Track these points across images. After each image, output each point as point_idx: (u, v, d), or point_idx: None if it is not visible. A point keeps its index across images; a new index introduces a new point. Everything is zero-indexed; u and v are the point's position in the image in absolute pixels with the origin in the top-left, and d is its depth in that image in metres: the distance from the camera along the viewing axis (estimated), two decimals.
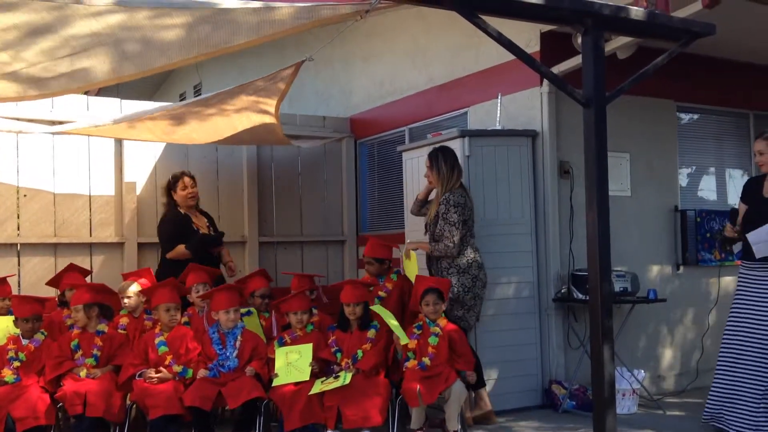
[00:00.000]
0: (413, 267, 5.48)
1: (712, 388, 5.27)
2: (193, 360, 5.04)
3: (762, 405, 4.94)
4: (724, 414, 5.11)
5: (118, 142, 6.90)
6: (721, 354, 5.30)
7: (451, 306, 5.32)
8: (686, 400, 6.25)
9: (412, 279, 5.42)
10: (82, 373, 4.96)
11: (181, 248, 6.08)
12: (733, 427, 5.01)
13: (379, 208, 8.02)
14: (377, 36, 7.85)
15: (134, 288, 5.52)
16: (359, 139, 8.15)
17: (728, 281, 6.79)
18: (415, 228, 6.37)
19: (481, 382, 5.41)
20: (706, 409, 5.26)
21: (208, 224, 6.41)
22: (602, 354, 4.03)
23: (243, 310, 5.42)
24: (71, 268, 5.72)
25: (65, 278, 5.61)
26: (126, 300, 5.48)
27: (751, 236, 5.03)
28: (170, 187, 6.31)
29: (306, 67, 5.35)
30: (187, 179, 6.29)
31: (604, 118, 4.13)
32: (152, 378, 4.88)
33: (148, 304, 5.42)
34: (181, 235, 6.15)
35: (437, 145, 5.72)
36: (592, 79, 4.12)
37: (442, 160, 5.46)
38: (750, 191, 5.37)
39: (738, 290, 5.30)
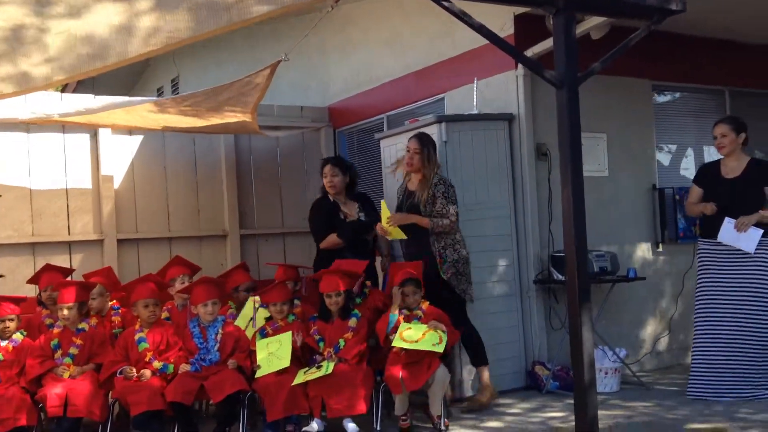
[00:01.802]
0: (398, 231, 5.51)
1: (694, 364, 5.42)
2: (174, 355, 5.01)
3: (751, 370, 5.20)
4: (713, 386, 5.26)
5: (94, 139, 6.83)
6: (697, 331, 5.44)
7: (457, 280, 5.40)
8: (669, 376, 6.31)
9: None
10: (66, 374, 4.93)
11: (333, 237, 5.93)
12: (728, 396, 5.19)
13: None
14: (353, 24, 7.81)
15: (96, 290, 5.47)
16: (338, 128, 8.12)
17: None
18: None
19: (482, 360, 5.46)
20: (692, 385, 5.38)
21: (360, 209, 6.10)
22: (581, 334, 4.05)
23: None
24: (48, 268, 5.66)
25: (43, 278, 5.55)
26: (91, 301, 5.43)
27: (722, 238, 5.32)
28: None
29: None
30: (327, 168, 6.05)
31: (576, 98, 4.14)
32: (132, 376, 4.85)
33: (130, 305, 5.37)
34: (328, 223, 6.00)
35: (419, 130, 5.73)
36: (564, 59, 4.13)
37: (430, 144, 5.51)
38: (707, 175, 5.60)
39: (702, 267, 5.49)
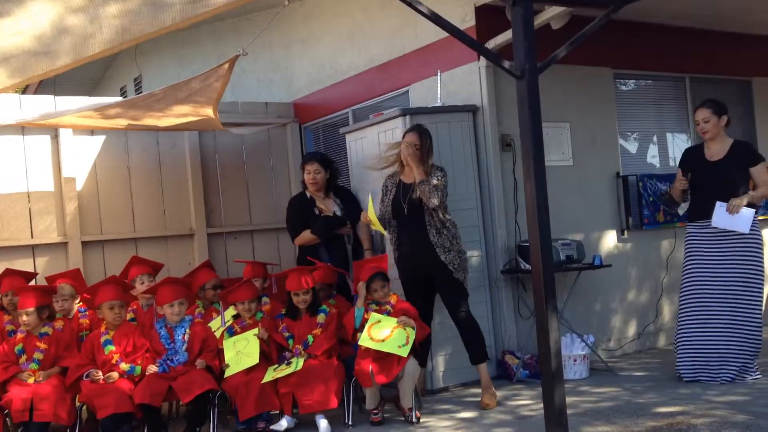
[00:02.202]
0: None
1: (682, 346, 5.45)
2: (141, 357, 4.96)
3: (734, 353, 5.27)
4: (704, 369, 5.33)
5: (55, 140, 6.71)
6: (683, 312, 5.47)
7: (459, 272, 5.35)
8: (636, 361, 6.39)
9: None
10: (30, 380, 4.85)
11: (306, 234, 6.01)
12: (716, 379, 5.27)
13: None
14: (315, 18, 7.77)
15: (68, 291, 5.40)
16: (304, 124, 8.07)
17: (677, 241, 6.96)
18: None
19: (482, 357, 5.38)
20: (683, 368, 5.43)
21: (339, 204, 6.13)
22: (547, 322, 4.07)
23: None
24: (9, 272, 5.56)
25: (4, 282, 5.45)
26: (62, 303, 5.36)
27: (716, 222, 5.29)
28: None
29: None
30: (309, 165, 6.11)
31: (536, 88, 4.14)
32: (99, 379, 4.79)
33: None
34: (302, 220, 6.06)
35: (416, 123, 5.56)
36: (523, 49, 4.13)
37: (428, 136, 5.40)
38: (691, 158, 5.60)
39: (689, 250, 5.50)
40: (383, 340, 4.90)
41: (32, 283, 5.74)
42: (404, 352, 4.86)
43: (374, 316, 5.03)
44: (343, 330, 5.20)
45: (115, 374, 4.81)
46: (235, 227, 7.61)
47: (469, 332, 5.38)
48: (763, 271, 5.36)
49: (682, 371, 5.44)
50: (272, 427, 4.88)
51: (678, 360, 5.48)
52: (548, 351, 4.06)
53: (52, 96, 6.76)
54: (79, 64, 4.23)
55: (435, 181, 5.24)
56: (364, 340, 4.91)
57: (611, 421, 4.55)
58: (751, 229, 5.28)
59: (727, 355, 5.31)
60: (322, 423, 4.88)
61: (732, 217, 5.23)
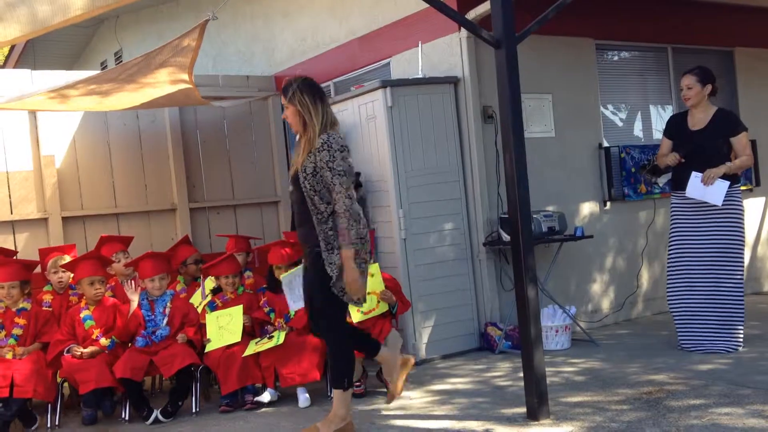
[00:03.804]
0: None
1: (676, 317, 5.51)
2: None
3: (719, 323, 5.32)
4: (699, 338, 5.39)
5: (32, 115, 6.64)
6: (672, 283, 5.50)
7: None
8: (617, 332, 6.44)
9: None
10: (9, 355, 4.83)
11: None
12: (705, 348, 5.34)
13: None
14: None
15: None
16: None
17: (658, 212, 7.00)
18: None
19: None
20: (682, 337, 5.48)
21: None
22: (526, 291, 4.08)
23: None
24: None
25: None
26: (61, 275, 5.33)
27: (690, 192, 5.29)
28: None
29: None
30: None
31: (515, 58, 4.12)
32: (80, 354, 4.78)
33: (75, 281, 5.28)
34: None
35: (291, 79, 4.09)
36: (501, 18, 4.11)
37: (307, 93, 4.00)
38: (675, 126, 5.57)
39: (673, 219, 5.51)
40: (371, 311, 4.96)
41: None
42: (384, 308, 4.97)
43: (373, 267, 4.99)
44: None
45: (94, 348, 4.80)
46: (218, 202, 7.58)
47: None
48: (743, 241, 5.38)
49: (682, 343, 5.48)
50: (256, 399, 4.89)
51: (677, 331, 5.51)
52: (527, 318, 4.08)
53: (30, 70, 6.68)
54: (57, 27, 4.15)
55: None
56: (356, 317, 4.92)
57: (591, 391, 4.59)
58: (732, 199, 5.28)
59: (714, 325, 5.33)
60: (303, 396, 4.89)
61: (706, 189, 5.22)
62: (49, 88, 5.90)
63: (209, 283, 5.41)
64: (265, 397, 4.91)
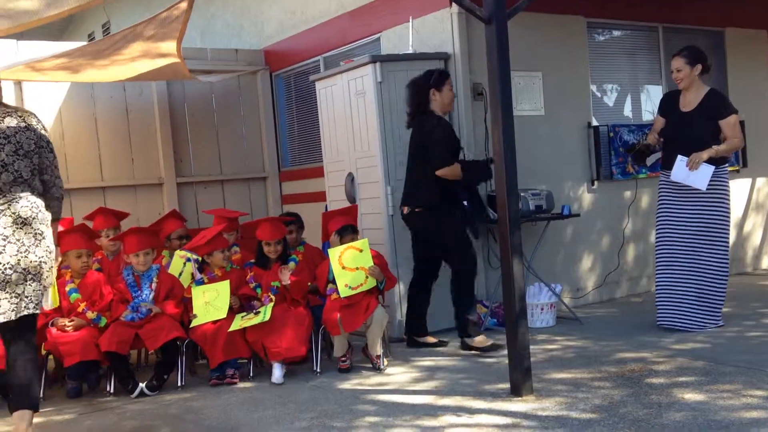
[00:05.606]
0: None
1: (659, 294, 5.54)
2: (107, 305, 4.93)
3: (700, 301, 5.37)
4: (678, 316, 5.42)
5: (18, 86, 6.56)
6: (658, 261, 5.54)
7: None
8: (602, 310, 6.49)
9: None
10: None
11: (457, 168, 5.18)
12: (682, 326, 5.38)
13: (300, 142, 7.90)
14: None
15: None
16: (274, 72, 7.95)
17: (644, 192, 7.02)
18: (335, 158, 6.32)
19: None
20: (660, 315, 5.52)
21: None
22: (512, 269, 4.10)
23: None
24: None
25: None
26: None
27: (675, 176, 5.28)
28: (434, 83, 5.22)
29: None
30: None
31: (505, 34, 4.09)
32: (65, 326, 4.76)
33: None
34: (453, 149, 5.23)
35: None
36: None
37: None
38: (668, 105, 5.55)
39: (660, 199, 5.53)
40: (360, 285, 4.98)
41: None
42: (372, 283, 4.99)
43: (362, 242, 5.04)
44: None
45: (80, 321, 4.79)
46: (205, 177, 7.55)
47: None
48: (728, 222, 5.40)
49: (658, 320, 5.52)
50: (273, 380, 4.83)
51: (656, 308, 5.55)
52: (512, 294, 4.10)
53: (15, 40, 6.58)
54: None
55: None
56: (344, 292, 4.93)
57: (575, 368, 4.62)
58: (718, 179, 5.29)
59: (695, 303, 5.39)
60: (278, 372, 4.86)
61: (690, 173, 5.21)
62: (36, 58, 5.83)
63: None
64: (277, 374, 4.88)
